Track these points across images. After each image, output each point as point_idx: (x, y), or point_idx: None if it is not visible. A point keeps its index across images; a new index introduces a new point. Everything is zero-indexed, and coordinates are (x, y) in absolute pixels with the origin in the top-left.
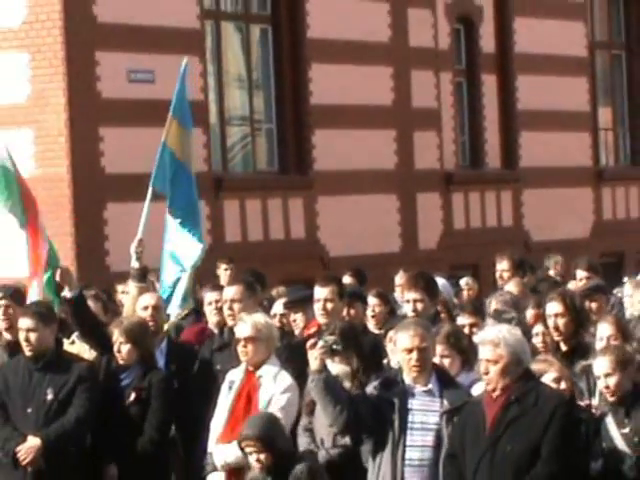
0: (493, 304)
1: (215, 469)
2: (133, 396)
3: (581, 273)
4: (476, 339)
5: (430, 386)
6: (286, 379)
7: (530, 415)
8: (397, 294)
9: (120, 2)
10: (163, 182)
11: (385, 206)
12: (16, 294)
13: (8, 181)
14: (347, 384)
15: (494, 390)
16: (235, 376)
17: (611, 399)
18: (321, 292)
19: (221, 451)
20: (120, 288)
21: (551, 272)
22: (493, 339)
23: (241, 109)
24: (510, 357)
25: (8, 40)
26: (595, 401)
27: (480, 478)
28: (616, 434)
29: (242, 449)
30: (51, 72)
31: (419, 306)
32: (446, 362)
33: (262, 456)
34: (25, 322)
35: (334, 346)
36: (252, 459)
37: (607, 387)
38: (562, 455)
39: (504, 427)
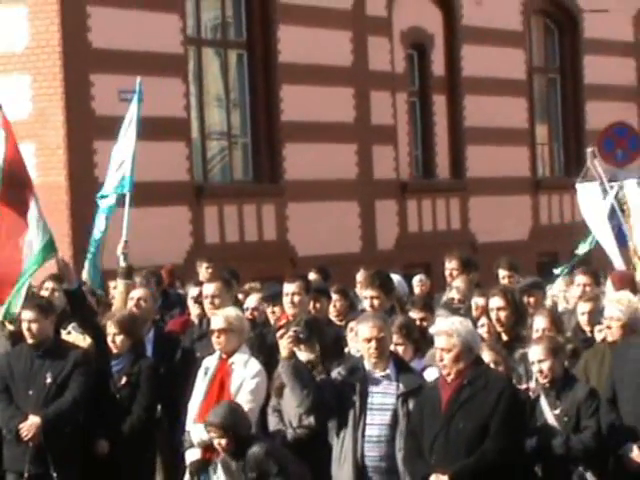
0: None
1: (192, 445)
2: (124, 380)
3: (503, 272)
4: (432, 330)
5: (388, 371)
6: (255, 366)
7: (480, 396)
8: (358, 290)
9: (112, 30)
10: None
11: (347, 211)
12: None
13: None
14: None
15: (449, 374)
16: (210, 363)
17: (543, 382)
18: (289, 287)
19: (197, 430)
20: (112, 284)
21: None
22: (447, 330)
23: (220, 125)
24: (462, 346)
25: (12, 63)
26: (532, 384)
27: (436, 452)
28: (549, 414)
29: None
30: (50, 92)
31: (375, 302)
32: (400, 349)
33: (223, 441)
34: (27, 314)
35: (300, 335)
36: (215, 442)
37: (540, 371)
38: (508, 432)
39: (457, 407)
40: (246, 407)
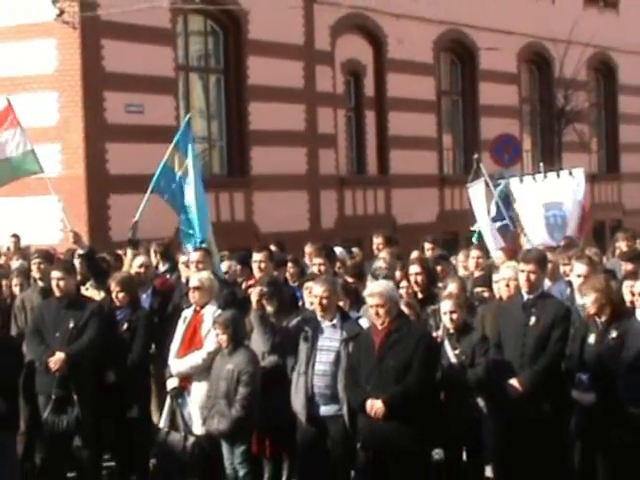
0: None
1: (172, 376)
2: (125, 326)
3: (427, 245)
4: (365, 292)
5: (334, 321)
6: None
7: (405, 341)
8: (306, 259)
9: (120, 58)
10: (158, 188)
11: (299, 199)
12: (46, 255)
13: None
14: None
15: (382, 324)
16: (188, 313)
17: (452, 328)
18: (257, 256)
19: (176, 364)
20: (121, 252)
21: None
22: (379, 291)
23: (202, 132)
24: (390, 302)
25: (44, 82)
26: (439, 332)
27: (371, 383)
28: (451, 354)
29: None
30: (73, 105)
31: (322, 268)
32: (341, 303)
33: (223, 337)
34: (56, 273)
35: (265, 292)
36: (218, 338)
37: (451, 319)
38: (425, 368)
39: (387, 349)
40: (211, 347)
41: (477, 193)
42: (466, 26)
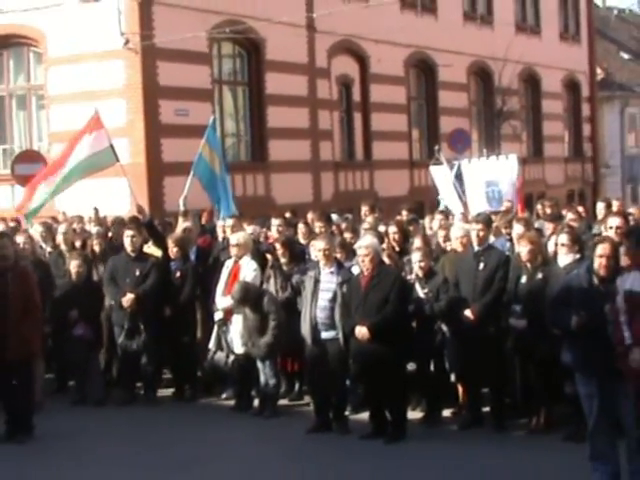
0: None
1: (218, 310)
2: (178, 274)
3: (404, 212)
4: (355, 245)
5: (332, 269)
6: (254, 265)
7: (383, 282)
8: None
9: (171, 73)
10: (197, 172)
11: (305, 179)
12: (122, 221)
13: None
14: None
15: (367, 270)
16: (229, 263)
17: (420, 272)
18: (276, 221)
19: (221, 301)
20: (172, 220)
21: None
22: (366, 244)
23: (232, 129)
24: (374, 253)
25: (115, 94)
26: (412, 276)
27: (359, 313)
28: (420, 292)
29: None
30: (136, 110)
31: (322, 229)
32: (339, 255)
33: (246, 304)
34: (129, 232)
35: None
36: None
37: (421, 267)
38: (399, 301)
39: (370, 288)
40: None
41: (437, 173)
42: (428, 48)
